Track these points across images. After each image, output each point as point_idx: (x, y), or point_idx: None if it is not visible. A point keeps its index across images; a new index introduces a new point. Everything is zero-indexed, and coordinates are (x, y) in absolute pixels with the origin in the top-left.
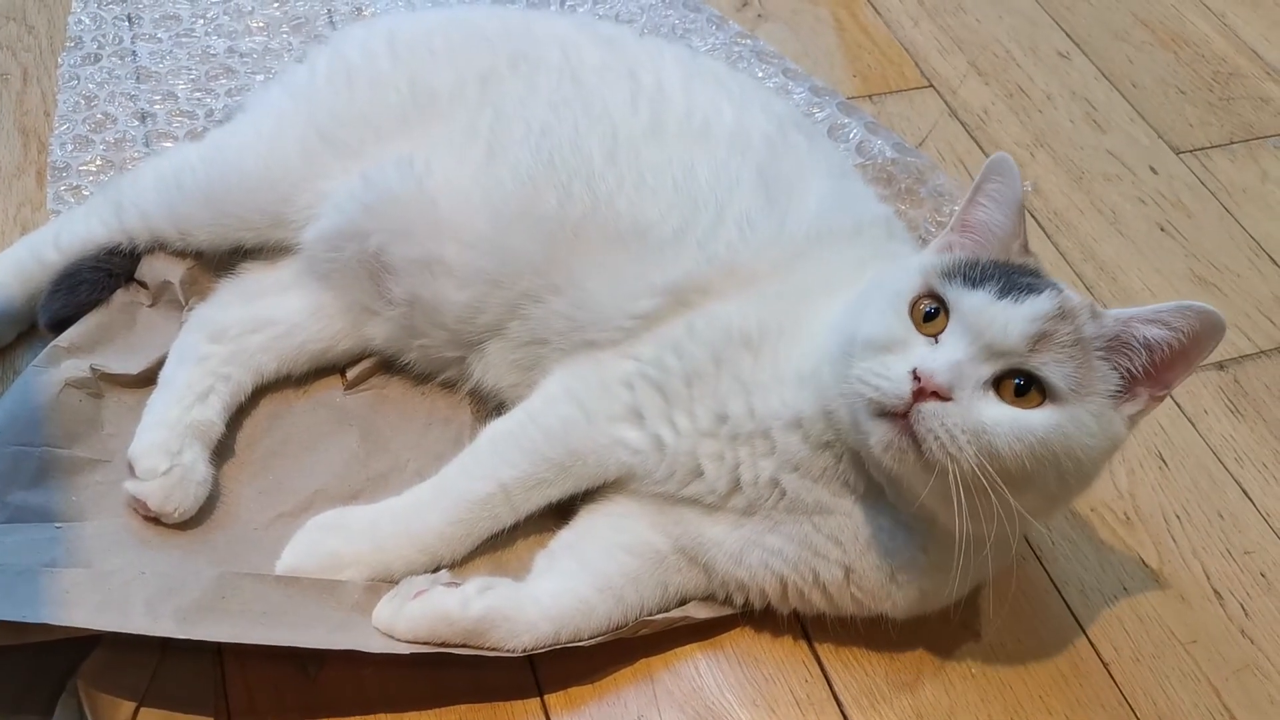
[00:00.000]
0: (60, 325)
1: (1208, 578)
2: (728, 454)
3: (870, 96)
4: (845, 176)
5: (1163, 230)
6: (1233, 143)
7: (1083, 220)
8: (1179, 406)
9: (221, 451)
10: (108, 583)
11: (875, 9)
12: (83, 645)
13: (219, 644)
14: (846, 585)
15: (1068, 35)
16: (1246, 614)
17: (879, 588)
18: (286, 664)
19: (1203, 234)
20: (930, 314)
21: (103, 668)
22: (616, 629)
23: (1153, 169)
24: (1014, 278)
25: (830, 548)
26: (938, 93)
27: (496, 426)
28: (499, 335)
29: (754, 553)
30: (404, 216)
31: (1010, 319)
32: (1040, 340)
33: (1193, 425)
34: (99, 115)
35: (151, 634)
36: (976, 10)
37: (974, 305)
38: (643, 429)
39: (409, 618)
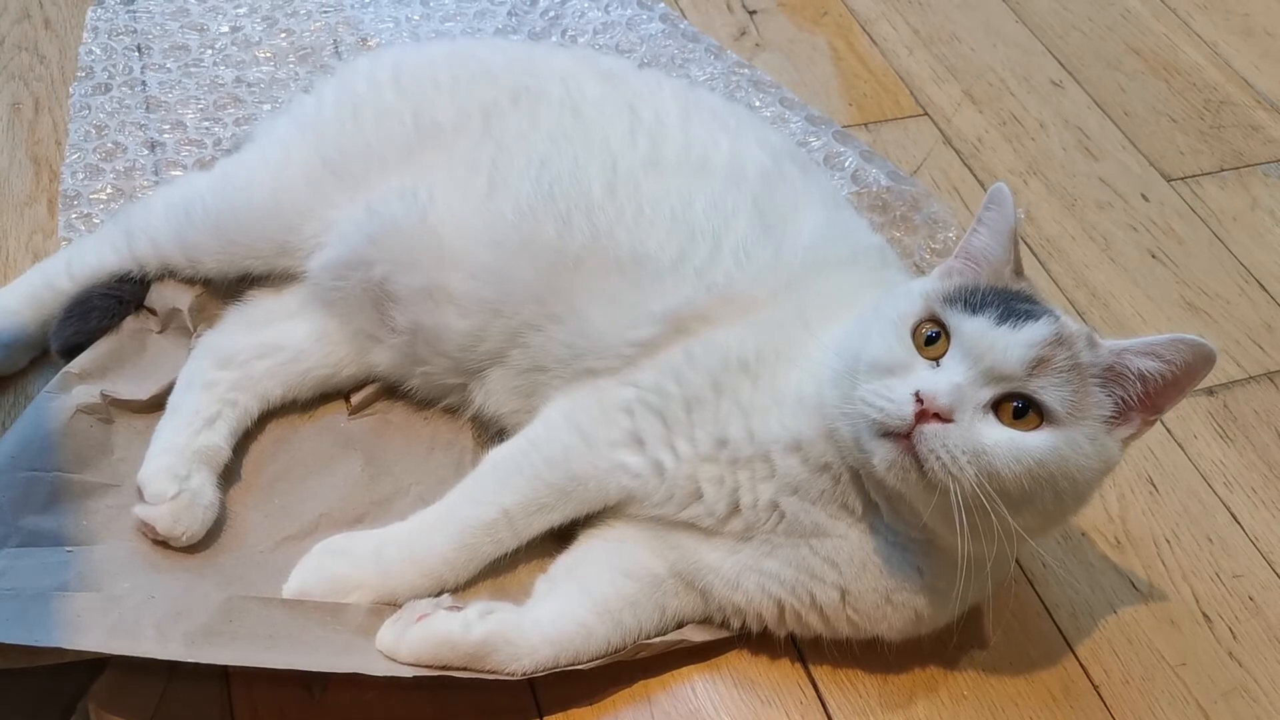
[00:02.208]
0: (72, 351)
1: (1197, 601)
2: (727, 477)
3: (866, 125)
4: (840, 207)
5: (1154, 257)
6: (1223, 170)
7: (1075, 247)
8: (1169, 431)
9: (228, 476)
10: (118, 607)
11: (871, 38)
12: (92, 666)
13: (226, 666)
14: (843, 607)
15: (1060, 64)
16: (1235, 637)
17: (874, 609)
18: (292, 685)
19: (1193, 261)
20: (931, 338)
21: (112, 689)
22: (615, 652)
23: (1144, 196)
24: (1013, 304)
25: (826, 570)
26: (932, 121)
27: (499, 453)
28: (500, 363)
29: (750, 577)
30: (407, 247)
31: (1009, 344)
32: (1038, 365)
33: (1182, 450)
34: (109, 144)
35: (161, 658)
36: (971, 39)
37: (974, 330)
38: (643, 454)
39: (412, 641)
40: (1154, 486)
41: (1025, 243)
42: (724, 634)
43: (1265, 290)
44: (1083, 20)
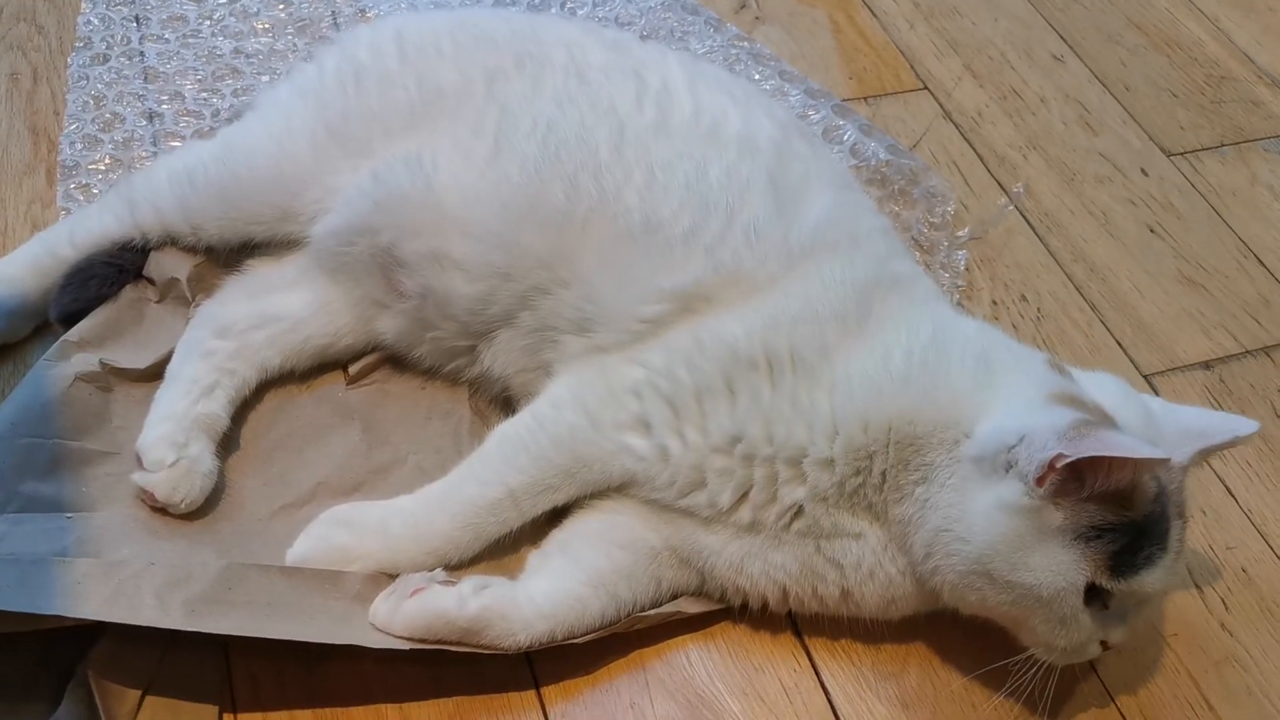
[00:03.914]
0: (70, 319)
1: (1190, 572)
2: (739, 471)
3: (865, 99)
4: (848, 188)
5: (1152, 232)
6: (1223, 145)
7: (1073, 221)
8: None
9: (227, 445)
10: (118, 574)
11: (872, 11)
12: (91, 633)
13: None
14: (844, 602)
15: (1061, 38)
16: (1227, 608)
17: (877, 609)
18: (290, 655)
19: (1192, 235)
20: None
21: (110, 656)
22: (610, 625)
23: (1144, 171)
24: None
25: (830, 571)
26: (932, 95)
27: (505, 430)
28: (509, 325)
29: (756, 564)
30: (413, 213)
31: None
32: None
33: None
34: (107, 115)
35: (160, 626)
36: (972, 13)
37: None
38: (649, 438)
39: (406, 616)
40: None
41: (1024, 217)
42: (719, 606)
43: (1263, 265)
44: None
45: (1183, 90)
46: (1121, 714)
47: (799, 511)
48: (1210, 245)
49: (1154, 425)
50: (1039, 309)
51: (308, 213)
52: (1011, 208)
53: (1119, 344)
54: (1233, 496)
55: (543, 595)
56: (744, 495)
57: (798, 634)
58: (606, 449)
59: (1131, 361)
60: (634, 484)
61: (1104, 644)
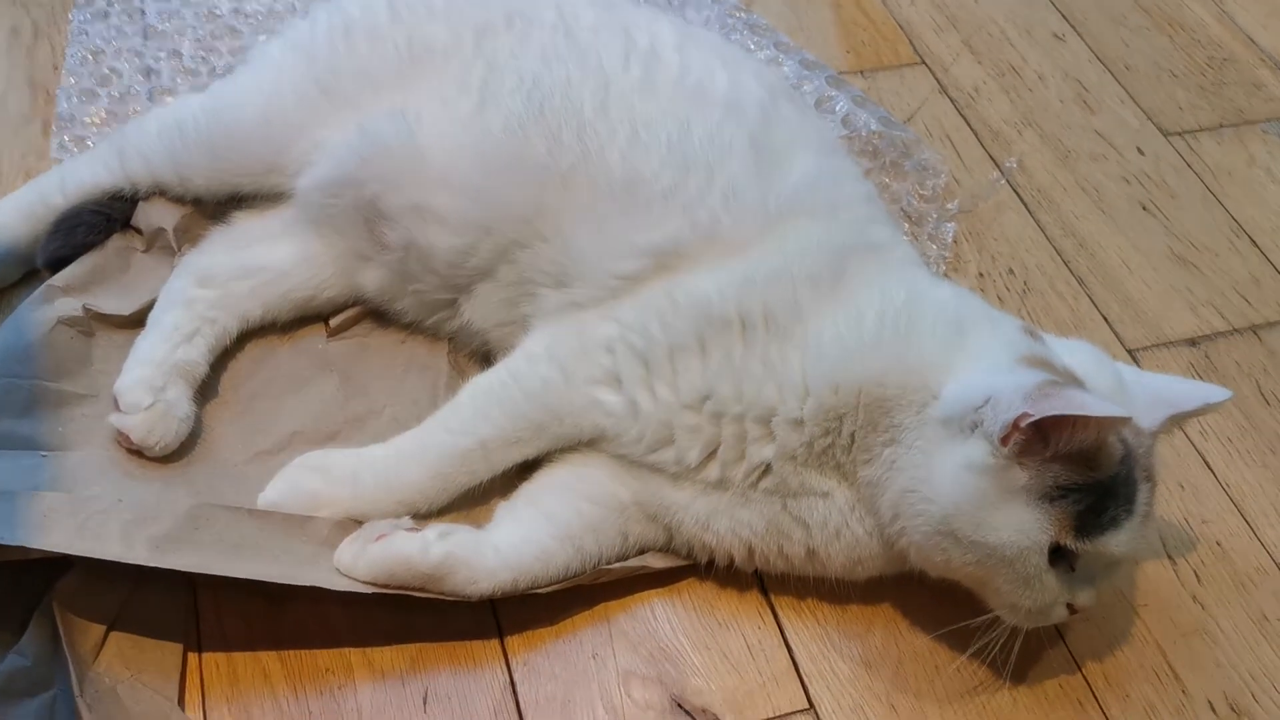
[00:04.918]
0: (57, 265)
1: (1163, 543)
2: (707, 428)
3: (862, 72)
4: (833, 153)
5: (1145, 209)
6: (1222, 126)
7: (1065, 197)
8: None
9: (206, 392)
10: (85, 509)
11: None
12: (58, 566)
13: (193, 574)
14: (809, 562)
15: (1064, 17)
16: (1200, 580)
17: (843, 569)
18: (257, 595)
19: (1185, 214)
20: None
21: (77, 590)
22: (575, 577)
23: (1139, 150)
24: None
25: (795, 529)
26: (929, 70)
27: (478, 383)
28: (489, 278)
29: (722, 520)
30: (397, 166)
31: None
32: None
33: None
34: (105, 70)
35: (125, 561)
36: None
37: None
38: (620, 393)
39: (370, 560)
40: None
41: (1016, 192)
42: (686, 562)
43: (1256, 245)
44: None
45: (1184, 71)
46: (1087, 681)
47: (767, 470)
48: (1203, 224)
49: (1125, 391)
50: (1025, 282)
51: (294, 165)
52: (1003, 182)
53: (1104, 318)
54: (1211, 471)
55: (507, 544)
56: (712, 453)
57: (764, 593)
58: (578, 403)
59: (1116, 335)
60: (604, 439)
61: (1071, 607)
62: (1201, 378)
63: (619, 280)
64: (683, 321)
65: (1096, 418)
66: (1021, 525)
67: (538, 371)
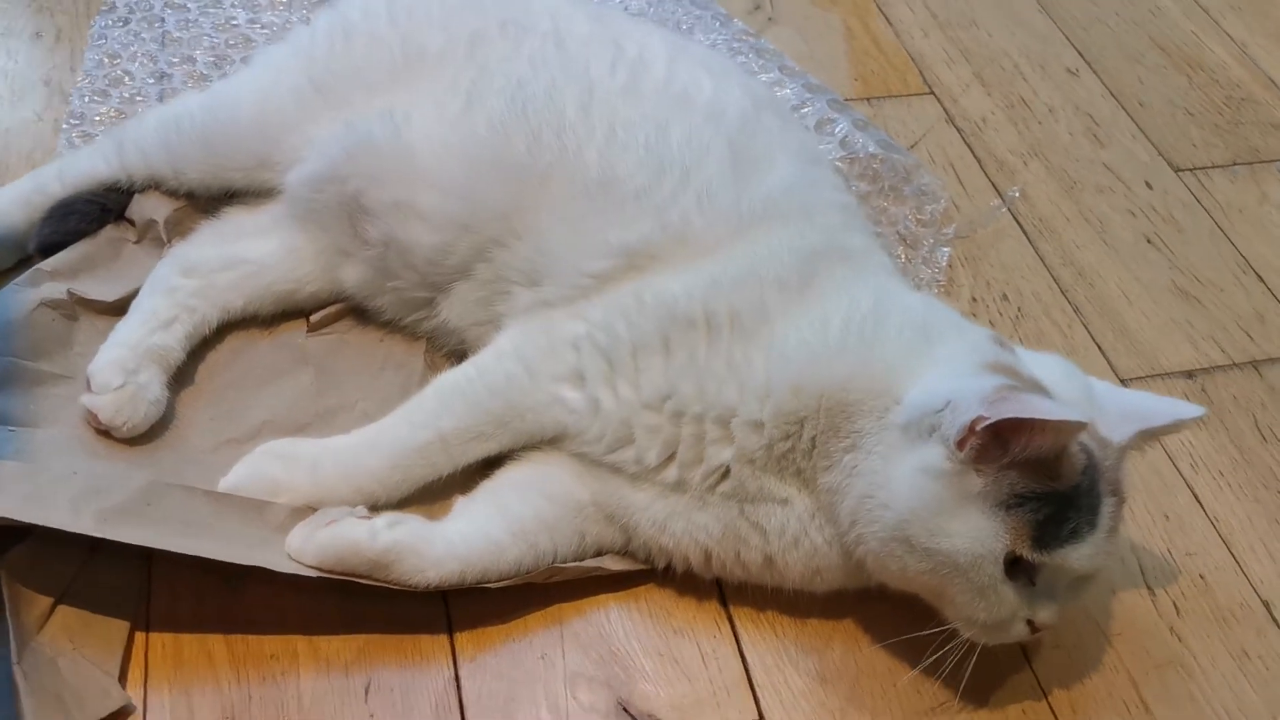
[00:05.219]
0: (48, 251)
1: (1143, 573)
2: (666, 428)
3: (869, 100)
4: (814, 163)
5: (1149, 242)
6: (1236, 164)
7: (1068, 228)
8: None
9: (181, 379)
10: (37, 478)
11: (887, 19)
12: (11, 535)
13: (149, 552)
14: (767, 570)
15: (1079, 54)
16: (1179, 612)
17: (801, 579)
18: (212, 578)
19: (1190, 249)
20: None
21: (28, 560)
22: (527, 574)
23: (1148, 184)
24: None
25: (753, 535)
26: (938, 100)
27: (444, 377)
28: (466, 277)
29: (679, 523)
30: (381, 162)
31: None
32: None
33: None
34: (119, 72)
35: (70, 530)
36: (989, 25)
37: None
38: (583, 390)
39: (318, 544)
40: None
41: (1017, 220)
42: (643, 566)
43: (1263, 281)
44: (1109, 14)
45: (1200, 109)
46: (1052, 708)
47: (725, 473)
48: (1209, 259)
49: (1095, 403)
50: (1019, 308)
51: (285, 161)
52: (1004, 210)
53: (1099, 346)
54: (1199, 503)
55: (459, 536)
56: (671, 454)
57: (723, 602)
58: (541, 399)
59: (1110, 364)
60: (565, 437)
61: (1032, 625)
62: None
63: (590, 279)
64: (648, 320)
65: (1054, 422)
66: (976, 533)
67: (503, 367)
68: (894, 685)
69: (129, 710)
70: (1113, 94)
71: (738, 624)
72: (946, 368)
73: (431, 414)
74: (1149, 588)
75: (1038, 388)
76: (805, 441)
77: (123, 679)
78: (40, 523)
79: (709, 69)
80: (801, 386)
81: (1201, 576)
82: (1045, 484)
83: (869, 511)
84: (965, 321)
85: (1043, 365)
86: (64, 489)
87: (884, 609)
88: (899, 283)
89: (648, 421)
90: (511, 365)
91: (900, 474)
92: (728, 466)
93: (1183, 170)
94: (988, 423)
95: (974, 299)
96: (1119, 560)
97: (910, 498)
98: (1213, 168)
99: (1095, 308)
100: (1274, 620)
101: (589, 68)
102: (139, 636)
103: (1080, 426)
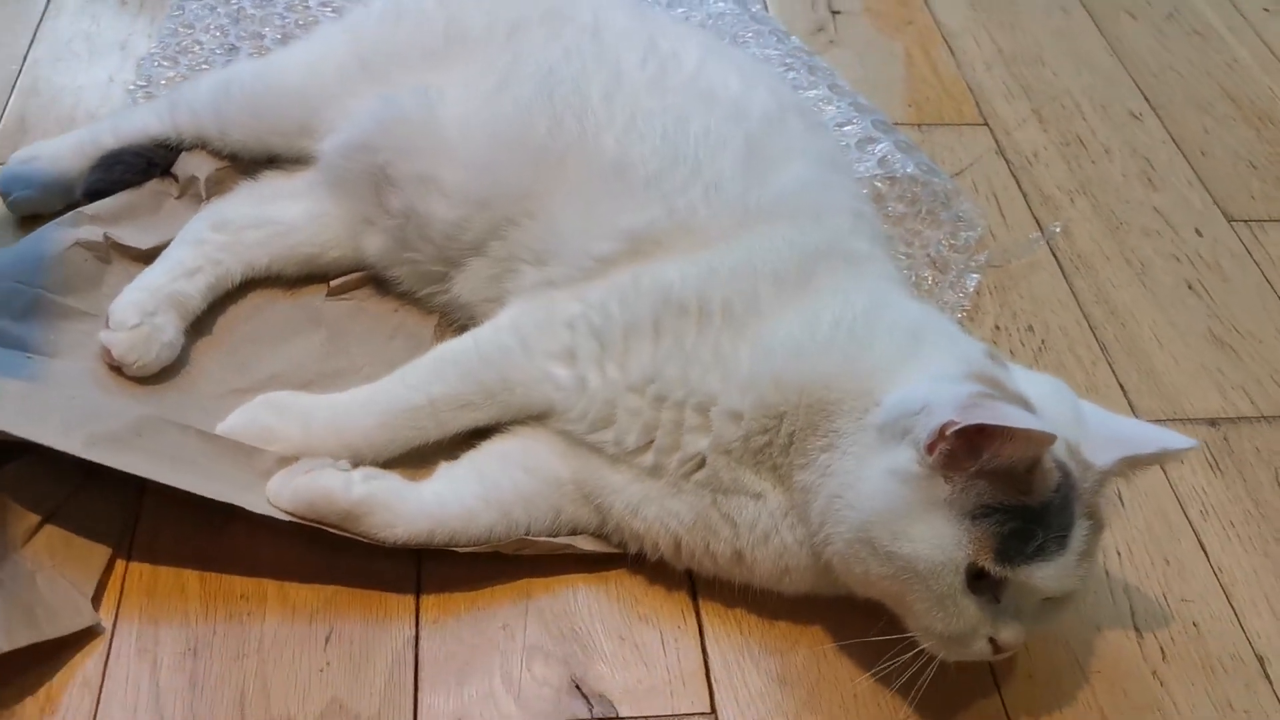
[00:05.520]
0: (94, 197)
1: (1133, 614)
2: (647, 412)
3: (919, 125)
4: (834, 168)
5: (1190, 288)
6: None
7: (1106, 266)
8: None
9: (200, 329)
10: (36, 397)
11: (951, 50)
12: (12, 453)
13: (141, 486)
14: (736, 564)
15: (1145, 98)
16: (1165, 657)
17: (769, 577)
18: (198, 517)
19: (1233, 298)
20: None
21: (22, 477)
22: (498, 542)
23: (1198, 231)
24: None
25: (723, 527)
26: (991, 131)
27: (444, 345)
28: (480, 254)
29: (651, 508)
30: (411, 136)
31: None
32: None
33: (1163, 471)
34: (190, 42)
35: (57, 448)
36: (1056, 64)
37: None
38: (573, 369)
39: (294, 489)
40: (1120, 500)
41: (1054, 254)
42: (615, 550)
43: None
44: (1182, 62)
45: (1265, 162)
46: None
47: (701, 462)
48: (1251, 310)
49: (1083, 426)
50: (1043, 340)
51: (324, 130)
52: (1042, 243)
53: (1121, 385)
54: (1204, 551)
55: (433, 496)
56: (651, 439)
57: (693, 595)
58: (532, 374)
59: (1130, 404)
60: (552, 414)
61: (995, 645)
62: (1214, 458)
63: (594, 261)
64: (642, 303)
65: (1023, 431)
66: (938, 539)
67: (499, 339)
68: (854, 695)
69: (97, 631)
70: (1174, 140)
71: (704, 617)
72: (930, 373)
73: (425, 378)
74: (1137, 629)
75: (1020, 401)
76: (783, 437)
77: (97, 601)
78: (29, 437)
79: (740, 70)
80: (783, 380)
81: (1195, 624)
82: (1015, 497)
83: (837, 511)
84: (962, 334)
85: (1033, 383)
86: (60, 410)
87: (854, 618)
88: (901, 291)
89: (630, 404)
90: (507, 339)
91: (870, 475)
92: (704, 456)
93: (1237, 221)
94: (957, 427)
95: (997, 327)
96: (1108, 598)
97: (876, 499)
98: (1269, 221)
99: (1123, 347)
100: (1266, 675)
101: (620, 59)
102: (119, 564)
103: (1050, 438)
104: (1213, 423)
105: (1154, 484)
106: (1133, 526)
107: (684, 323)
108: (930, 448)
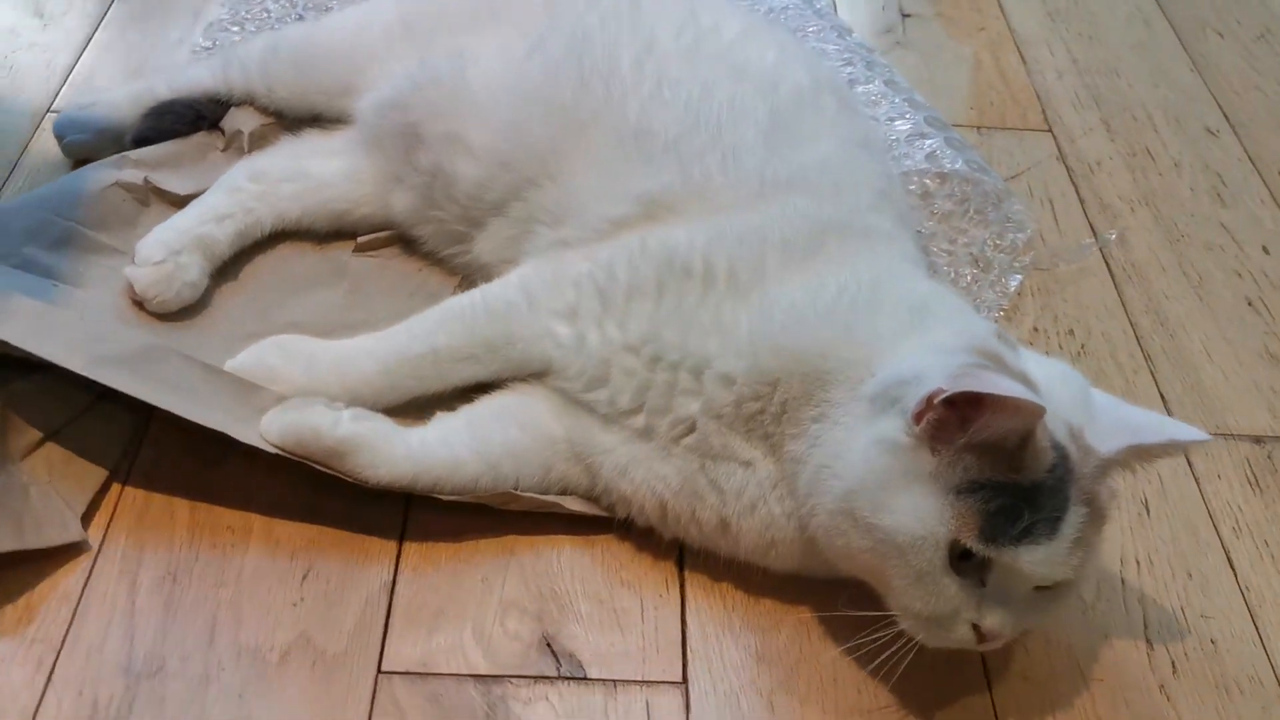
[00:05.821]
0: (142, 144)
1: (1145, 625)
2: (641, 372)
3: (979, 128)
4: (864, 148)
5: (1250, 304)
6: None
7: (1162, 277)
8: (1189, 463)
9: (225, 274)
10: (46, 315)
11: (1023, 57)
12: (23, 370)
13: (147, 414)
14: (721, 533)
15: (1224, 115)
16: (1176, 672)
17: (754, 549)
18: (200, 450)
19: None
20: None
21: (29, 394)
22: (483, 494)
23: (1265, 249)
24: None
25: (710, 494)
26: (1054, 138)
27: (452, 299)
28: (501, 214)
29: (639, 471)
30: (443, 96)
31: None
32: None
33: (1197, 484)
34: (258, 8)
35: (59, 364)
36: (1132, 76)
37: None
38: (574, 326)
39: (283, 423)
40: (1146, 509)
41: (1106, 262)
42: (603, 513)
43: None
44: (1270, 82)
45: None
46: None
47: (692, 426)
48: None
49: (1091, 413)
50: (1084, 345)
51: (364, 89)
52: (1095, 249)
53: (1163, 396)
54: (1232, 568)
55: (419, 442)
56: (643, 401)
57: (680, 566)
58: (535, 330)
59: (1169, 414)
60: (550, 372)
61: (979, 632)
62: (1254, 475)
63: (607, 223)
64: (648, 264)
65: (1012, 401)
66: (920, 513)
67: (506, 295)
68: (833, 679)
69: (83, 548)
70: (1250, 158)
71: (688, 589)
72: (929, 345)
73: (430, 329)
74: (1148, 641)
75: (1020, 378)
76: (776, 405)
77: (87, 520)
78: (34, 351)
79: (780, 46)
80: (781, 346)
81: (1213, 641)
82: (1004, 474)
83: (823, 481)
84: (973, 314)
85: (1042, 365)
86: (68, 330)
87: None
88: (917, 270)
89: (626, 364)
90: (514, 294)
91: (857, 445)
92: (694, 419)
93: None
94: (944, 395)
95: (1035, 329)
96: (1121, 606)
97: (861, 469)
98: None
99: (1170, 359)
100: None
101: (656, 28)
102: (115, 488)
103: (1040, 409)
104: (1258, 440)
105: (1185, 496)
106: (1157, 537)
107: (687, 285)
108: (918, 417)
